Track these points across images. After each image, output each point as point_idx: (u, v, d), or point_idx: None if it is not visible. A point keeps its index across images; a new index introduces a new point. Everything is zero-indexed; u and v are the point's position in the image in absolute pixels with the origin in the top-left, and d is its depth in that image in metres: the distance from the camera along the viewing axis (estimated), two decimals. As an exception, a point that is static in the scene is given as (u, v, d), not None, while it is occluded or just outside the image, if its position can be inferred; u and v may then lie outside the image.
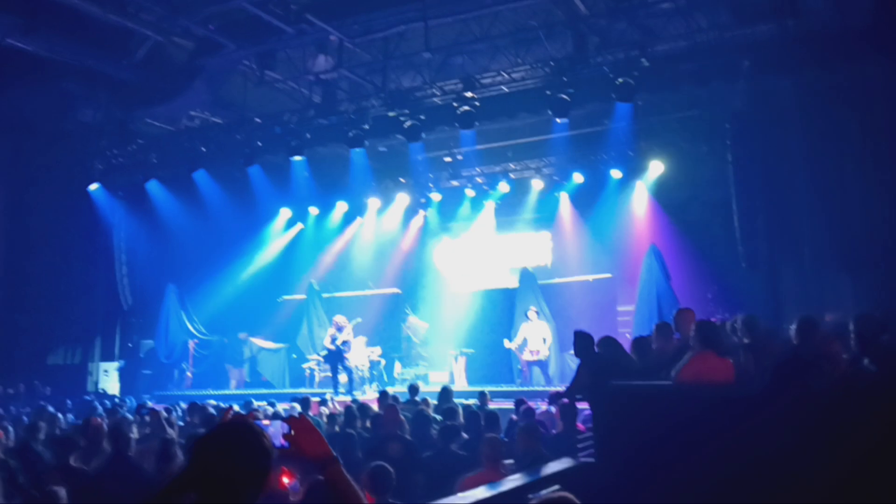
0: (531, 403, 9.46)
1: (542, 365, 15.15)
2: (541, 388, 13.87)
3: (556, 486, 4.87)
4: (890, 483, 4.02)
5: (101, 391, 16.81)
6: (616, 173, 16.78)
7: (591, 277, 16.70)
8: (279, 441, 2.34)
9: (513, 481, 4.66)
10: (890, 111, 10.83)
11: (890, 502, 4.04)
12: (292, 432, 2.35)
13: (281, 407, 11.54)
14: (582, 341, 7.18)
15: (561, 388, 10.72)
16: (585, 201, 17.62)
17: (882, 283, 11.35)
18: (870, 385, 4.89)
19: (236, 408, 11.14)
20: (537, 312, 15.33)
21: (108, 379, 17.92)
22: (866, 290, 11.52)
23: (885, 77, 10.65)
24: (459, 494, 4.21)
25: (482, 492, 4.23)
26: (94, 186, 17.45)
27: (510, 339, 15.77)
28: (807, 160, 12.65)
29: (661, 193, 16.38)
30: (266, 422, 2.43)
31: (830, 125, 11.88)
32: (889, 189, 11.62)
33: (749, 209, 13.50)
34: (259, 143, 15.53)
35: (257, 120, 15.49)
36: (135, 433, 8.09)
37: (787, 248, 13.31)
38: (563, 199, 18.09)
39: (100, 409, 11.52)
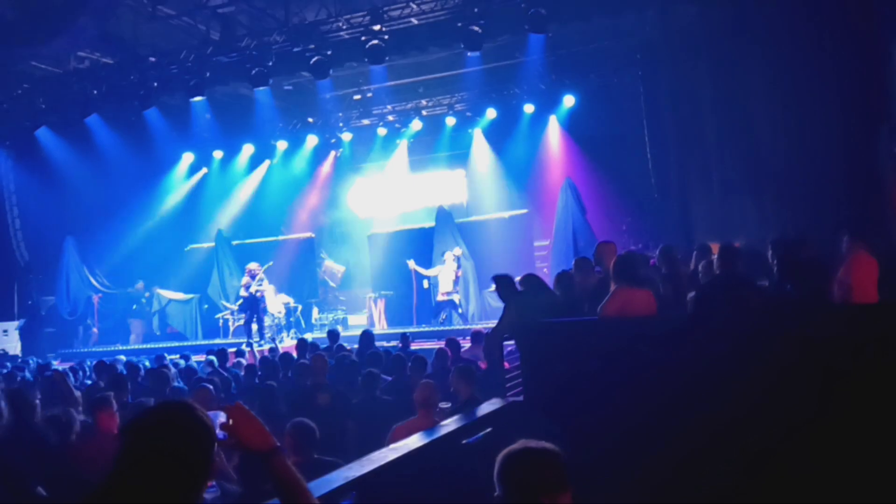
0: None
1: (454, 306, 15.13)
2: (460, 328, 13.86)
3: (489, 429, 4.83)
4: (816, 406, 4.06)
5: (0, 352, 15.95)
6: (529, 108, 16.71)
7: (507, 214, 16.66)
8: (217, 432, 2.06)
9: (444, 427, 4.53)
10: (791, 40, 10.95)
11: (816, 425, 4.09)
12: (230, 421, 2.09)
13: (196, 359, 11.17)
14: (502, 284, 7.05)
15: (481, 327, 10.76)
16: (499, 137, 17.56)
17: (784, 207, 11.69)
18: (793, 308, 4.95)
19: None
20: (456, 256, 15.20)
21: (8, 339, 17.00)
22: (770, 214, 11.83)
23: (787, 6, 10.74)
24: (392, 445, 4.04)
25: (415, 440, 4.07)
26: (-25, 136, 16.26)
27: (427, 279, 15.69)
28: (715, 89, 12.80)
29: (575, 127, 16.45)
30: None
31: (736, 55, 12.00)
32: (790, 116, 11.88)
33: (660, 140, 13.64)
34: (155, 84, 14.59)
35: (151, 59, 14.45)
36: (38, 397, 7.60)
37: (696, 176, 13.58)
38: (477, 135, 17.94)
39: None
